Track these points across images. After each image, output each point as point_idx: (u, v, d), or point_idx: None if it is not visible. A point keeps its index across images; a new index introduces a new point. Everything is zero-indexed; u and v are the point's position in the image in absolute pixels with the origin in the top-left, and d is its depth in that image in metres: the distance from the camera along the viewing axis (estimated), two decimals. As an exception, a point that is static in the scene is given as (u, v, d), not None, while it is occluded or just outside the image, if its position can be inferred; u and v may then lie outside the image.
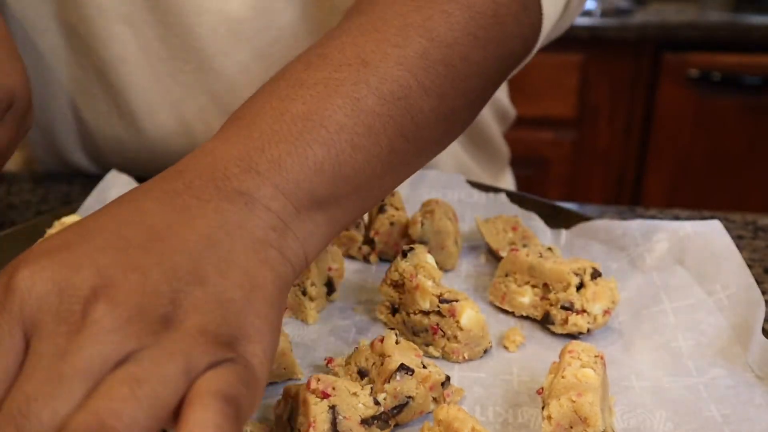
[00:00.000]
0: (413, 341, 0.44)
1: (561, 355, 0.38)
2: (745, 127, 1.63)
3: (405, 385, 0.37)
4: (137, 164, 0.67)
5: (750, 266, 0.47)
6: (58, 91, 0.66)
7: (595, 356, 0.37)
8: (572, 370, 0.36)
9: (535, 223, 0.58)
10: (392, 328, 0.45)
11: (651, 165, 1.72)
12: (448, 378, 0.38)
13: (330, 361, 0.42)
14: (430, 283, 0.44)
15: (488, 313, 0.48)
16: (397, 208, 0.54)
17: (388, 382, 0.37)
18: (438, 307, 0.43)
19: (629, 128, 1.71)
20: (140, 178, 0.62)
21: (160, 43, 0.61)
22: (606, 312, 0.45)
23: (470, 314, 0.42)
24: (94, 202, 0.58)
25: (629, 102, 1.70)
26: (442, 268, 0.52)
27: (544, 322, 0.46)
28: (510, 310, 0.48)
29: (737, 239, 0.58)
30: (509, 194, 0.61)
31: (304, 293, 0.47)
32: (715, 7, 1.70)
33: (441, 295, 0.43)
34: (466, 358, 0.43)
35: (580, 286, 0.45)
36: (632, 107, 1.70)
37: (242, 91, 0.64)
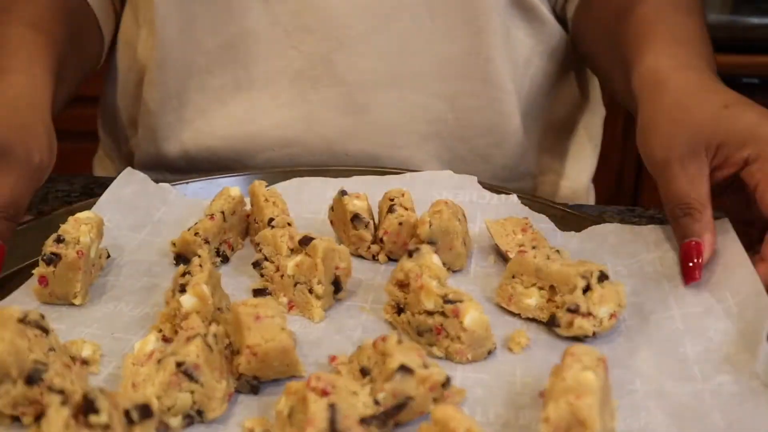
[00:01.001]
0: (417, 341, 0.44)
1: (563, 358, 0.38)
2: (743, 127, 1.69)
3: (405, 385, 0.37)
4: (230, 149, 0.68)
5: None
6: (169, 75, 0.68)
7: (597, 359, 0.37)
8: (572, 372, 0.36)
9: (545, 225, 0.58)
10: (396, 328, 0.45)
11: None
12: (448, 379, 0.38)
13: (333, 359, 0.42)
14: (434, 283, 0.44)
15: (494, 314, 0.48)
16: (406, 208, 0.54)
17: (389, 381, 0.37)
18: (442, 307, 0.43)
19: (628, 129, 1.67)
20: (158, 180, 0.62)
21: (291, 17, 0.65)
22: (612, 315, 0.45)
23: (474, 315, 0.42)
24: (108, 198, 0.58)
25: (626, 102, 1.74)
26: (450, 268, 0.53)
27: (550, 324, 0.46)
28: (516, 311, 0.48)
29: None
30: (520, 196, 0.61)
31: (311, 291, 0.47)
32: (714, 8, 1.69)
33: (445, 295, 0.43)
34: (470, 359, 0.43)
35: (587, 289, 0.45)
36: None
37: (358, 59, 0.67)
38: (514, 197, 0.61)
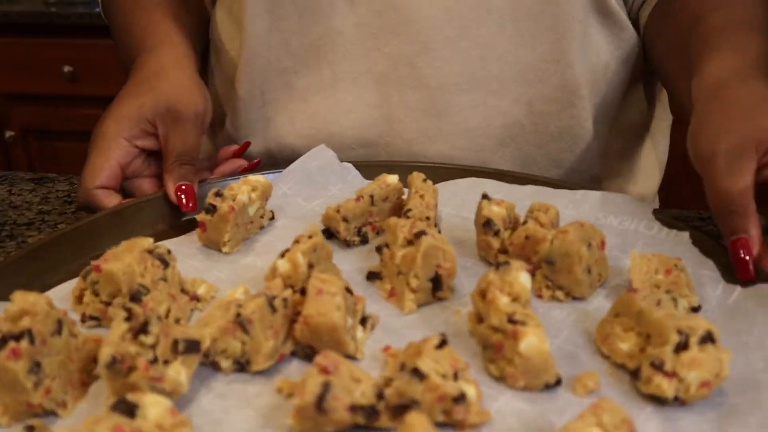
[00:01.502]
0: (483, 355, 0.43)
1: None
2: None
3: (412, 388, 0.36)
4: (311, 148, 0.70)
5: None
6: (255, 73, 0.72)
7: (622, 421, 0.33)
8: (580, 425, 0.32)
9: (707, 272, 0.50)
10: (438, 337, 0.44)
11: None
12: (463, 395, 0.37)
13: (387, 349, 0.43)
14: (505, 299, 0.42)
15: (586, 350, 0.44)
16: (541, 224, 0.51)
17: (399, 380, 0.37)
18: (505, 326, 0.41)
19: None
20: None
21: (376, 19, 0.67)
22: (704, 384, 0.38)
23: (531, 341, 0.40)
24: (295, 168, 0.65)
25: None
26: (569, 294, 0.49)
27: (633, 375, 0.41)
28: (606, 353, 0.43)
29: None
30: (693, 235, 0.54)
31: (408, 283, 0.48)
32: None
33: (512, 314, 0.41)
34: (522, 386, 0.40)
35: (683, 348, 0.39)
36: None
37: (441, 64, 0.68)
38: (685, 235, 0.54)
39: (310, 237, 0.49)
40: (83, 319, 0.47)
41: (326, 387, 0.35)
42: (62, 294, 0.49)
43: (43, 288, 0.50)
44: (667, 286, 0.47)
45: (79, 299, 0.48)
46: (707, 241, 0.53)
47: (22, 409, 0.38)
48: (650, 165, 0.80)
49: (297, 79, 0.71)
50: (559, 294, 0.49)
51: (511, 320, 0.41)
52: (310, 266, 0.48)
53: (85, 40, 1.84)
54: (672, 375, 0.39)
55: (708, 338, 0.39)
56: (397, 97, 0.69)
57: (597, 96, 0.71)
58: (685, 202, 1.93)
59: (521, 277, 0.43)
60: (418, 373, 0.37)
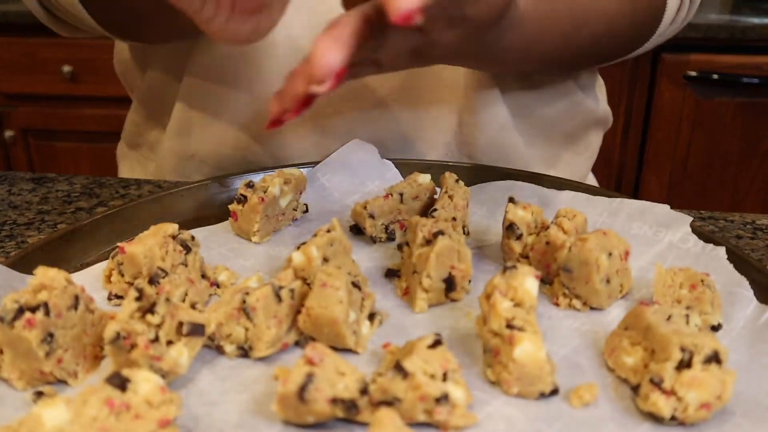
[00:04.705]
0: (483, 358, 0.43)
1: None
2: (743, 128, 1.64)
3: (395, 385, 0.36)
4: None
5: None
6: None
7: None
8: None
9: (741, 291, 0.48)
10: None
11: (650, 165, 1.73)
12: (445, 395, 0.36)
13: (386, 345, 0.43)
14: (506, 304, 0.41)
15: (593, 361, 0.43)
16: (564, 230, 0.50)
17: (383, 376, 0.37)
18: (502, 331, 0.40)
19: (628, 128, 1.71)
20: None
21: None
22: (703, 406, 0.37)
23: (526, 348, 0.39)
24: (335, 159, 0.66)
25: (628, 102, 1.69)
26: (587, 303, 0.48)
27: (635, 391, 0.39)
28: (612, 367, 0.42)
29: (736, 239, 0.57)
30: (730, 251, 0.51)
31: (421, 282, 0.48)
32: (713, 8, 1.71)
33: (511, 319, 0.40)
34: (517, 392, 0.40)
35: (685, 365, 0.37)
36: (631, 107, 1.69)
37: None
38: (721, 251, 0.51)
39: (328, 231, 0.50)
40: (110, 297, 0.49)
41: (309, 378, 0.36)
42: (98, 272, 0.52)
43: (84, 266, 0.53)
44: (689, 301, 0.45)
45: (108, 278, 0.50)
46: (744, 259, 0.50)
47: (35, 376, 0.41)
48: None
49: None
50: (577, 303, 0.48)
51: (510, 325, 0.40)
52: (326, 260, 0.48)
53: (85, 40, 1.76)
54: (670, 393, 0.37)
55: (713, 358, 0.37)
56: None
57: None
58: (685, 202, 1.87)
59: (527, 282, 0.43)
60: (402, 371, 0.37)
